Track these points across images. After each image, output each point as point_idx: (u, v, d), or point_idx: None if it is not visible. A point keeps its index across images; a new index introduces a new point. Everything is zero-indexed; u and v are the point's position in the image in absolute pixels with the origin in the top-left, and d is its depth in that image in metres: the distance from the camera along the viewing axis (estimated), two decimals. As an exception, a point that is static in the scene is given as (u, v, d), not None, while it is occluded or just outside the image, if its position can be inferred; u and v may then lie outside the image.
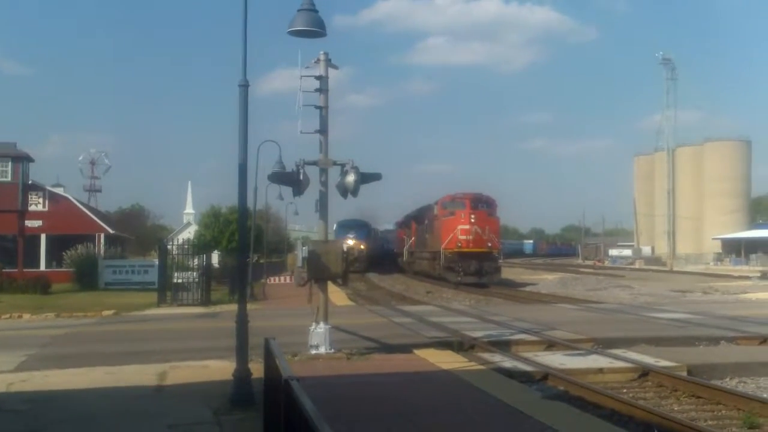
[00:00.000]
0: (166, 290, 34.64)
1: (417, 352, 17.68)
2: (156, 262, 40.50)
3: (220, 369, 14.78)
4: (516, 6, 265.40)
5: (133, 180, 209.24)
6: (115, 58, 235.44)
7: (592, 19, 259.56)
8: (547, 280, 61.98)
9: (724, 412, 12.88)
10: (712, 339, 20.72)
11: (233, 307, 13.88)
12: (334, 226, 73.65)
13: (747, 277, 61.23)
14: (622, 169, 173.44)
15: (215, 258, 55.15)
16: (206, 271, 35.94)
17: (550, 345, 19.67)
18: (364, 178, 17.87)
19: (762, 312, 28.36)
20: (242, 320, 12.72)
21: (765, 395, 14.00)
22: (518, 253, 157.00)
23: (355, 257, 63.69)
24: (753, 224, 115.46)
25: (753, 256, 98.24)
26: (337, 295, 37.32)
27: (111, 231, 55.18)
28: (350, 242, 67.52)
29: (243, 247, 14.62)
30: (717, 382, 14.99)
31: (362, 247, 73.99)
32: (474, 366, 16.02)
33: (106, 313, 30.07)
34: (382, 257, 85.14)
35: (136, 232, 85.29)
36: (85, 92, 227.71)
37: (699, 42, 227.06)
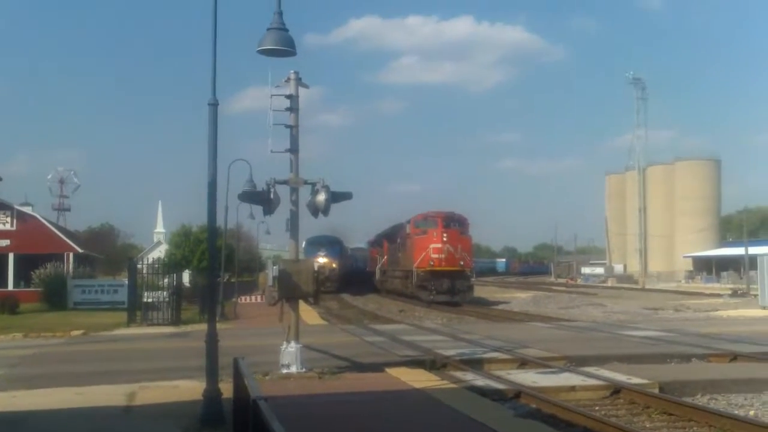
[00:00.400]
0: (135, 310, 34.33)
1: (389, 370, 17.62)
2: (126, 281, 40.15)
3: (190, 389, 14.63)
4: (487, 26, 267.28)
5: (103, 198, 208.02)
6: (85, 73, 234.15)
7: (562, 38, 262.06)
8: (519, 298, 62.12)
9: (695, 428, 12.92)
10: (683, 356, 20.81)
11: (204, 327, 13.76)
12: (303, 243, 67.97)
13: (718, 295, 61.67)
14: (594, 188, 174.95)
15: (186, 277, 54.80)
16: (176, 290, 35.68)
17: (523, 363, 19.67)
18: (335, 197, 17.85)
19: (733, 329, 28.56)
20: (212, 340, 12.61)
21: (736, 412, 14.06)
22: (491, 271, 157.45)
23: (326, 276, 61.55)
24: (723, 242, 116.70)
25: (724, 274, 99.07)
26: (308, 314, 37.18)
27: (80, 250, 54.72)
28: (321, 260, 64.54)
29: (213, 266, 14.53)
30: (688, 399, 15.04)
31: (334, 265, 70.32)
32: (446, 384, 15.98)
33: (75, 333, 29.75)
34: (354, 276, 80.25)
35: (106, 251, 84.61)
36: (55, 109, 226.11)
37: (669, 62, 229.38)
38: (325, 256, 69.71)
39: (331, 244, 74.67)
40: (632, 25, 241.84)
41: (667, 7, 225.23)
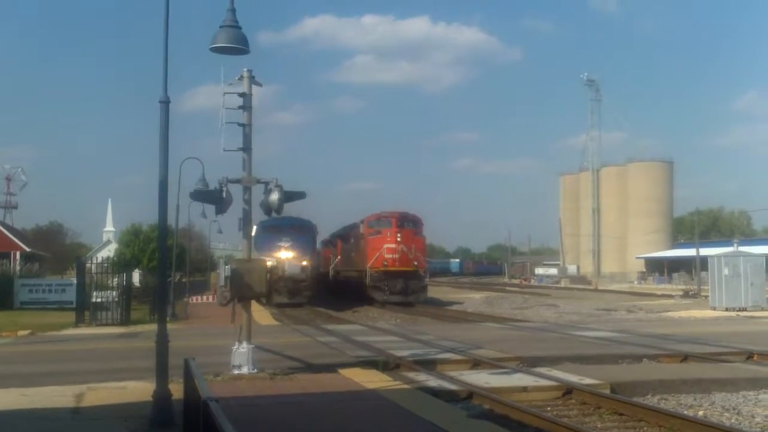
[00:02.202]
0: (84, 310, 33.82)
1: (342, 371, 17.53)
2: (74, 280, 39.56)
3: (140, 390, 14.43)
4: (443, 26, 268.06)
5: (51, 196, 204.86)
6: (32, 68, 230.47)
7: (518, 40, 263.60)
8: (473, 298, 62.33)
9: (645, 428, 13.01)
10: (635, 357, 20.98)
11: (154, 327, 13.58)
12: (255, 228, 43.59)
13: (670, 296, 62.40)
14: (548, 189, 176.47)
15: (136, 277, 54.22)
16: (126, 290, 35.28)
17: (476, 364, 19.70)
18: (289, 196, 17.74)
19: (684, 330, 28.88)
20: (162, 340, 12.45)
21: (685, 412, 14.19)
22: (445, 271, 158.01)
23: (293, 279, 44.12)
24: (675, 243, 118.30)
25: (675, 275, 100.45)
26: (261, 314, 36.97)
27: (27, 249, 54.02)
28: (284, 254, 46.89)
29: (163, 265, 14.31)
30: (639, 400, 15.15)
31: (305, 263, 44.40)
32: (399, 385, 15.93)
33: (21, 333, 29.26)
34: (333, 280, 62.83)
35: (54, 250, 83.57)
36: (1, 105, 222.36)
37: (623, 64, 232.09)
38: (291, 247, 48.84)
39: (300, 229, 51.11)
40: (587, 28, 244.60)
41: (622, 11, 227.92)
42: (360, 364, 18.91)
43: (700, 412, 14.39)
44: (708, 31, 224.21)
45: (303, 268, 41.52)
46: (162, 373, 12.22)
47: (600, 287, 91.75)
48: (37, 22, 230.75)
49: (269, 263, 32.42)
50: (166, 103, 13.02)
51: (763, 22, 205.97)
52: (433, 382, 16.84)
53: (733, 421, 13.72)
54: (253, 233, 31.30)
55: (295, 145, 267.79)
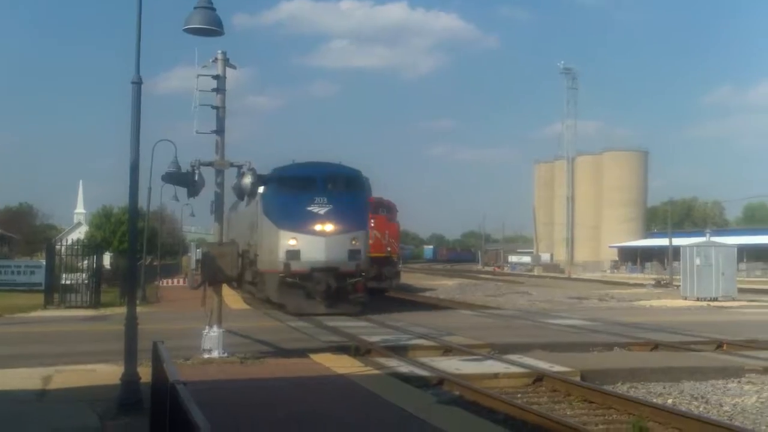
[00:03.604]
0: (53, 292, 33.55)
1: (313, 356, 17.49)
2: (43, 262, 39.20)
3: (108, 373, 14.31)
4: (422, 12, 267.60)
5: (22, 178, 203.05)
6: (3, 48, 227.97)
7: (495, 27, 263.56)
8: (446, 285, 62.46)
9: (615, 416, 13.07)
10: (606, 345, 21.08)
11: (124, 310, 13.47)
12: (261, 189, 26.17)
13: (642, 285, 62.79)
14: (523, 177, 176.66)
15: (107, 259, 53.83)
16: (96, 272, 35.01)
17: (447, 350, 19.72)
18: (262, 180, 17.68)
19: (655, 319, 29.06)
20: (131, 323, 12.36)
21: (654, 400, 14.28)
22: (418, 258, 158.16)
23: (337, 270, 28.25)
24: (648, 233, 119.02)
25: (648, 264, 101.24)
26: (232, 298, 36.84)
27: (-3, 230, 53.35)
28: (318, 227, 28.37)
29: (133, 247, 14.20)
30: (609, 387, 15.23)
31: (355, 242, 29.00)
32: (370, 371, 15.92)
33: (-11, 315, 28.97)
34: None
35: (24, 231, 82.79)
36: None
37: (599, 53, 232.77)
38: (331, 215, 28.72)
39: (345, 184, 30.25)
40: (564, 16, 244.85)
41: (600, 1, 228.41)
42: (331, 350, 18.87)
43: (669, 400, 14.49)
44: (685, 24, 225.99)
45: (353, 252, 28.21)
46: (131, 356, 12.14)
47: (573, 275, 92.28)
48: (7, 2, 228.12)
49: (291, 242, 28.10)
50: (138, 83, 12.92)
51: (739, 17, 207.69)
52: (404, 368, 16.84)
53: (701, 409, 13.83)
54: (262, 189, 26.52)
55: (269, 129, 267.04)
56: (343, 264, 28.39)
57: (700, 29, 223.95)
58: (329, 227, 28.33)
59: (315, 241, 28.14)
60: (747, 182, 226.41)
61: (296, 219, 28.34)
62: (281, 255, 28.00)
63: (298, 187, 29.14)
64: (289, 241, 28.12)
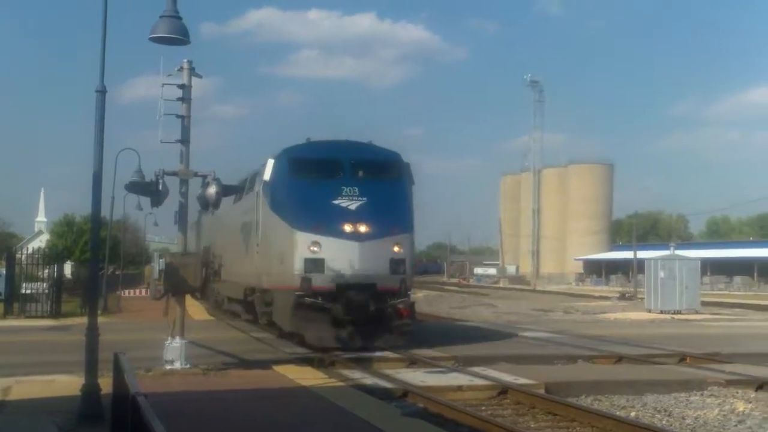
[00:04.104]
0: (13, 301, 33.11)
1: (276, 368, 17.39)
2: (3, 271, 38.67)
3: (69, 384, 14.11)
4: (390, 23, 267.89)
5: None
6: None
7: (463, 39, 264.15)
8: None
9: (578, 429, 13.09)
10: (570, 357, 21.12)
11: (85, 320, 13.32)
12: (271, 165, 22.38)
13: (606, 298, 63.13)
14: (490, 189, 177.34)
15: (68, 269, 53.27)
16: (57, 282, 34.62)
17: (412, 362, 19.66)
18: (226, 190, 17.60)
19: (619, 332, 29.21)
20: (92, 333, 12.24)
21: (618, 413, 14.33)
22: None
23: (372, 287, 20.92)
24: (613, 246, 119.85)
25: (613, 277, 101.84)
26: (195, 309, 36.57)
27: (-43, 238, 52.64)
28: (347, 228, 20.99)
29: (95, 256, 14.08)
30: (573, 400, 15.25)
31: (397, 248, 21.35)
32: (334, 383, 15.85)
33: (-53, 324, 28.54)
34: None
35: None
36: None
37: (566, 67, 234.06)
38: (364, 213, 21.29)
39: (381, 171, 22.95)
40: (532, 28, 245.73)
41: (566, 13, 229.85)
42: (295, 361, 18.77)
43: (632, 413, 14.54)
44: (651, 36, 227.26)
45: (396, 262, 21.29)
46: (91, 366, 12.03)
47: (538, 288, 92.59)
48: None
49: (313, 248, 20.69)
50: (102, 92, 12.86)
51: (705, 29, 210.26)
52: (368, 380, 16.78)
53: (664, 422, 13.88)
54: (266, 176, 21.96)
55: (235, 139, 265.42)
56: (384, 279, 21.10)
57: (666, 42, 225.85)
58: (364, 228, 21.01)
59: (345, 246, 20.86)
60: (711, 196, 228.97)
61: (318, 216, 21.15)
62: (297, 265, 20.69)
63: (320, 174, 22.14)
64: (310, 246, 20.70)
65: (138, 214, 66.58)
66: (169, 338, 16.45)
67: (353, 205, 21.15)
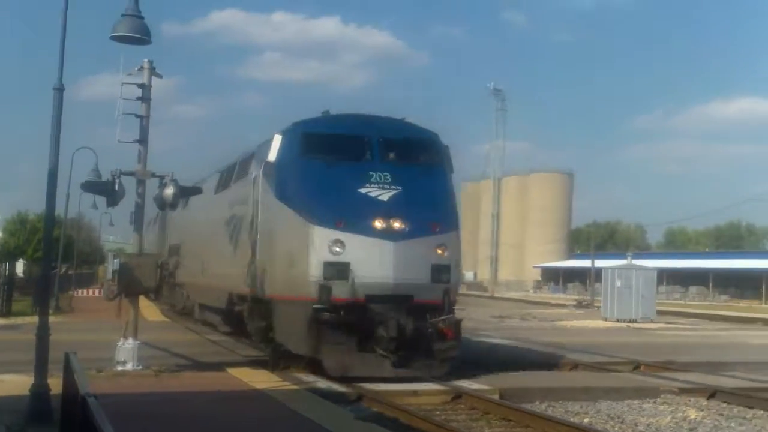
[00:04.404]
0: (-38, 300, 32.66)
1: (230, 370, 17.27)
2: (-47, 269, 38.15)
3: (17, 384, 13.88)
4: (354, 28, 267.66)
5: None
6: None
7: (427, 45, 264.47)
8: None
9: (531, 435, 13.16)
10: (526, 364, 21.23)
11: (36, 319, 13.14)
12: (279, 142, 17.64)
13: (563, 305, 63.54)
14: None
15: (20, 267, 52.54)
16: (8, 280, 34.18)
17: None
18: (184, 191, 17.48)
19: (576, 339, 29.40)
20: (43, 332, 12.08)
21: (572, 419, 14.40)
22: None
23: (408, 300, 16.61)
24: (571, 254, 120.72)
25: (570, 285, 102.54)
26: (150, 310, 36.23)
27: None
28: (383, 223, 16.49)
29: (47, 255, 13.91)
30: (527, 406, 15.29)
31: (441, 251, 17.05)
32: (288, 386, 15.76)
33: None
34: None
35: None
36: None
37: (530, 76, 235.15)
38: (399, 207, 16.85)
39: (419, 154, 18.72)
40: (497, 39, 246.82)
41: (529, 23, 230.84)
42: (249, 364, 18.65)
43: (586, 420, 14.62)
44: (616, 48, 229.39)
45: (439, 268, 17.17)
46: (41, 366, 11.88)
47: (496, 294, 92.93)
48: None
49: (336, 248, 16.47)
50: (60, 90, 12.73)
51: (672, 42, 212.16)
52: (322, 383, 16.67)
53: (616, 429, 13.97)
54: (270, 157, 17.68)
55: (195, 140, 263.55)
56: (424, 289, 16.89)
57: (631, 54, 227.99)
58: (399, 224, 16.65)
59: (375, 247, 16.55)
60: (669, 207, 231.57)
61: (342, 208, 16.78)
62: (314, 270, 16.45)
63: (342, 155, 17.64)
64: (331, 246, 16.44)
65: (93, 213, 65.81)
66: (122, 339, 16.28)
67: (385, 195, 16.90)
